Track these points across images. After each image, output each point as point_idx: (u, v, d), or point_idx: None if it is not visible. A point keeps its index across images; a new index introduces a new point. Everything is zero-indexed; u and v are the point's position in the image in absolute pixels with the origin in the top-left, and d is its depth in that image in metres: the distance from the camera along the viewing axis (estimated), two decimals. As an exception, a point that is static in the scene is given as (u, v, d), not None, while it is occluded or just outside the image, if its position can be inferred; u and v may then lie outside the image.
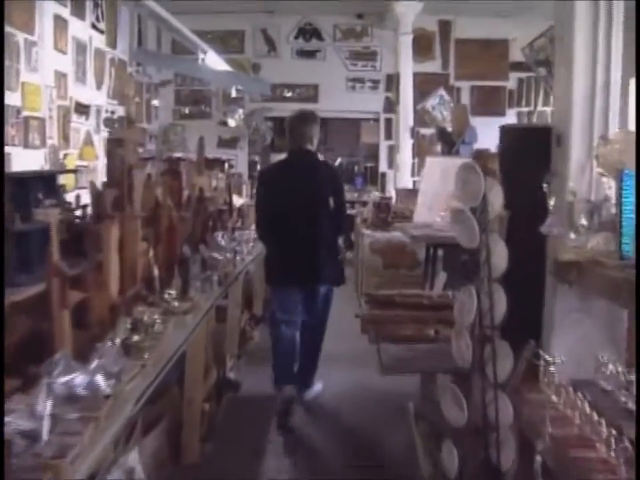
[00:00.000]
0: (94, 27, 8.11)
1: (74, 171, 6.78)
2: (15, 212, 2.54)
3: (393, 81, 11.22)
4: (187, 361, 3.57)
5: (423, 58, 11.20)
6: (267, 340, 5.06)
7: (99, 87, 8.32)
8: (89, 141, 7.92)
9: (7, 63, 5.83)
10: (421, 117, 10.08)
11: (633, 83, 2.88)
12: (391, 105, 11.45)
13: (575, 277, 2.62)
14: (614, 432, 2.15)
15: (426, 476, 3.53)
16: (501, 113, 11.31)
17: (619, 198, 2.50)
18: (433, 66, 11.47)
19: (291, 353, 4.80)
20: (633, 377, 2.47)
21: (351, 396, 4.92)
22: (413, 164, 10.46)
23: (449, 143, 7.74)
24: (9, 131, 5.97)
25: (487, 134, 8.34)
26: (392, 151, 11.48)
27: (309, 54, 11.61)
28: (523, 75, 11.14)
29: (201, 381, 3.78)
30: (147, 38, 10.00)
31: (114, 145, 3.02)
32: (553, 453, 2.22)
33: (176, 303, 3.23)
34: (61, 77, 7.13)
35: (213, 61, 9.56)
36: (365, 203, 9.66)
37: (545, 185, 2.72)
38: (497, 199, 2.43)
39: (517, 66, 10.93)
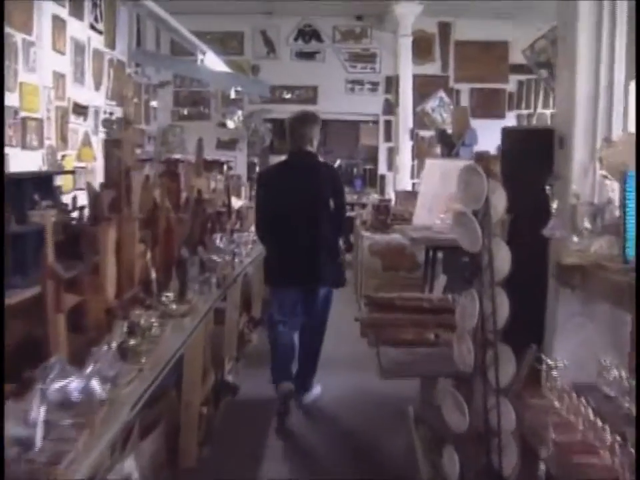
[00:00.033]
0: (92, 27, 8.08)
1: (71, 172, 6.74)
2: (11, 213, 2.51)
3: (392, 83, 11.20)
4: (184, 364, 3.53)
5: (422, 60, 11.18)
6: (266, 343, 5.03)
7: (97, 87, 8.29)
8: (87, 142, 7.89)
9: (5, 63, 5.80)
10: (421, 119, 10.07)
11: (632, 85, 2.85)
12: (390, 107, 11.43)
13: (578, 280, 2.58)
14: (618, 438, 2.11)
15: (426, 481, 3.50)
16: (501, 116, 11.31)
17: (623, 201, 2.47)
18: (432, 68, 11.45)
19: (289, 353, 4.79)
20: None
21: (350, 399, 4.89)
22: (413, 166, 10.44)
23: (449, 145, 7.71)
24: (7, 132, 5.93)
25: (487, 136, 8.32)
26: (391, 153, 11.46)
27: (308, 55, 11.58)
28: (523, 77, 11.14)
29: (198, 384, 3.74)
30: (145, 39, 9.99)
31: (111, 146, 2.99)
32: (556, 459, 2.19)
33: (174, 306, 3.20)
34: (59, 77, 7.10)
35: (212, 62, 9.54)
36: (364, 205, 9.62)
37: (547, 188, 2.68)
38: (500, 201, 2.39)
39: (517, 68, 10.91)
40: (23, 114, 6.26)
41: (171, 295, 3.23)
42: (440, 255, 5.91)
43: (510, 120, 11.26)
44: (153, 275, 3.11)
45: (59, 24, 7.04)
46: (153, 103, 10.81)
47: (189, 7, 9.77)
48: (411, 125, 10.22)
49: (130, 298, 2.82)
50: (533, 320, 2.85)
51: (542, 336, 2.86)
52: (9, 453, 1.59)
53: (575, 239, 2.58)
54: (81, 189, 6.10)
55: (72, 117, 7.49)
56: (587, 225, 2.59)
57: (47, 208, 2.56)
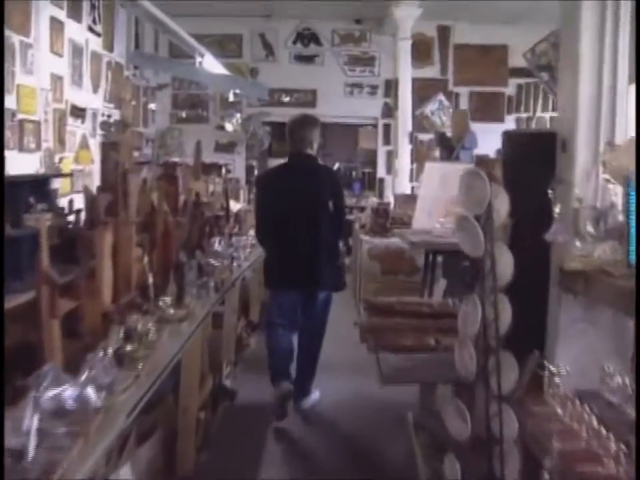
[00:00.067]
0: (90, 29, 8.04)
1: (67, 175, 6.69)
2: (6, 217, 2.47)
3: (391, 86, 11.16)
4: (182, 370, 3.49)
5: (421, 63, 11.16)
6: (264, 347, 4.99)
7: (95, 90, 8.25)
8: (84, 145, 7.85)
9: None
10: (420, 123, 10.03)
11: (632, 88, 2.82)
12: (389, 111, 11.40)
13: (580, 286, 2.55)
14: (623, 447, 2.08)
15: (426, 488, 3.46)
16: (500, 119, 11.29)
17: (626, 205, 2.44)
18: (431, 71, 11.43)
19: (287, 356, 4.78)
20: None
21: (348, 405, 4.85)
22: (412, 169, 10.41)
23: (449, 148, 7.69)
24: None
25: (486, 140, 8.32)
26: (390, 156, 11.42)
27: (307, 59, 11.56)
28: (522, 80, 11.11)
29: (196, 389, 3.71)
30: (144, 41, 9.96)
31: (108, 149, 2.95)
32: (559, 468, 2.15)
33: (171, 311, 3.16)
34: (56, 79, 7.05)
35: (211, 64, 9.50)
36: (362, 209, 9.59)
37: (549, 192, 2.65)
38: (502, 206, 2.36)
39: (516, 72, 10.90)
40: (20, 116, 6.21)
41: (168, 299, 3.20)
42: (440, 258, 5.89)
43: (509, 123, 11.24)
44: (150, 279, 3.08)
45: (56, 26, 7.00)
46: (151, 106, 10.77)
47: (188, 10, 9.75)
48: (410, 128, 10.18)
49: (127, 303, 2.78)
50: (534, 326, 2.81)
51: (544, 342, 2.83)
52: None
53: (578, 243, 2.54)
54: (78, 192, 6.06)
55: (70, 120, 7.44)
56: (590, 229, 2.56)
57: (43, 212, 2.52)
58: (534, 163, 2.88)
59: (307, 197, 4.59)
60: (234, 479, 3.76)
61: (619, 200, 2.56)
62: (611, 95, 2.68)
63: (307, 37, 11.49)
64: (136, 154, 8.18)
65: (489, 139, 8.98)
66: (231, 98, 10.78)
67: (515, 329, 2.51)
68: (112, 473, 2.20)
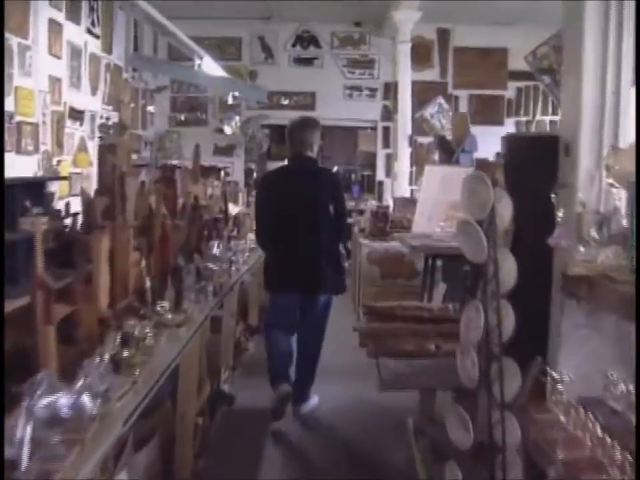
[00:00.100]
0: (89, 31, 8.01)
1: (63, 178, 6.65)
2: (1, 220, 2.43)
3: (390, 89, 11.15)
4: (180, 375, 3.45)
5: (421, 66, 11.14)
6: (263, 351, 4.97)
7: (93, 92, 8.22)
8: (83, 147, 7.82)
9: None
10: (420, 126, 9.99)
11: (632, 91, 2.79)
12: (389, 113, 11.38)
13: (584, 291, 2.51)
14: (628, 456, 2.04)
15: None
16: (500, 122, 11.27)
17: (630, 209, 2.41)
18: (431, 74, 11.41)
19: (287, 359, 4.76)
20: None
21: (348, 410, 4.81)
22: (411, 172, 10.38)
23: (449, 151, 7.65)
24: (2, 136, 5.87)
25: (485, 143, 8.30)
26: (389, 159, 11.40)
27: (307, 61, 11.53)
28: (522, 84, 11.10)
29: (194, 394, 3.67)
30: (143, 43, 9.93)
31: (105, 152, 2.92)
32: (563, 477, 2.11)
33: (169, 316, 3.12)
34: (55, 81, 7.02)
35: (210, 67, 9.48)
36: (361, 212, 9.55)
37: (552, 196, 2.62)
38: (505, 210, 2.33)
39: (516, 75, 10.87)
40: (18, 118, 6.18)
41: (166, 304, 3.16)
42: (439, 262, 5.85)
43: (508, 127, 11.21)
44: (148, 283, 3.04)
45: (55, 28, 6.97)
46: (150, 108, 10.74)
47: (187, 12, 9.72)
48: (409, 131, 10.16)
49: (124, 308, 2.74)
50: (536, 332, 2.78)
51: (546, 348, 2.79)
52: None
53: (581, 248, 2.51)
54: (76, 195, 6.04)
55: (68, 122, 7.41)
56: (594, 234, 2.53)
57: (38, 215, 2.49)
58: (536, 166, 2.85)
59: (307, 199, 4.57)
60: (232, 485, 3.73)
61: (622, 204, 2.53)
62: (614, 97, 2.65)
63: (306, 39, 11.46)
64: (134, 156, 8.15)
65: (487, 142, 8.98)
66: (230, 101, 10.76)
67: (516, 335, 2.48)
68: (108, 481, 2.16)
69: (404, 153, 10.28)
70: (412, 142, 10.30)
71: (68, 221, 3.05)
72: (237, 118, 11.26)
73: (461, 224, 2.42)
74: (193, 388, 3.63)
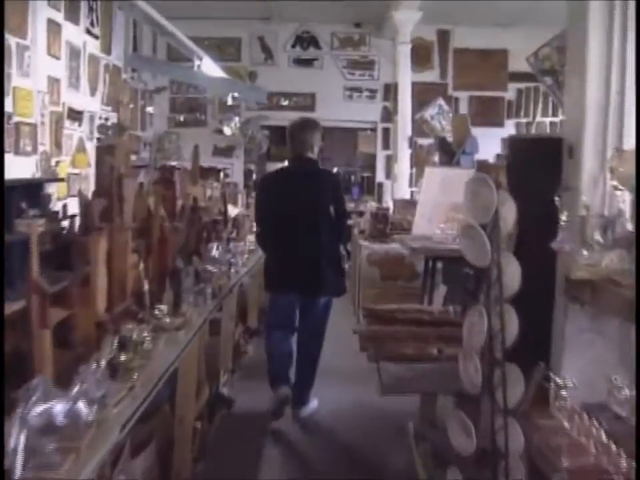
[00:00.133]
0: (88, 32, 7.98)
1: (60, 180, 6.61)
2: (-3, 222, 2.39)
3: (390, 91, 11.12)
4: (178, 378, 3.41)
5: (421, 67, 11.11)
6: (262, 354, 4.94)
7: (92, 93, 8.17)
8: (81, 148, 7.77)
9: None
10: (420, 127, 9.97)
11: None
12: (389, 115, 11.35)
13: (587, 296, 2.48)
14: (634, 464, 2.01)
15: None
16: (500, 124, 11.26)
17: (634, 212, 2.38)
18: (431, 75, 11.39)
19: (287, 360, 4.74)
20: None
21: (348, 413, 4.77)
22: (411, 174, 10.35)
23: (449, 153, 7.62)
24: (0, 137, 5.83)
25: (485, 144, 8.29)
26: (389, 160, 11.37)
27: (306, 62, 11.50)
28: (522, 85, 11.08)
29: (193, 398, 3.63)
30: (142, 44, 9.88)
31: (103, 153, 2.88)
32: (567, 485, 2.08)
33: (167, 319, 3.09)
34: (53, 82, 6.99)
35: (209, 67, 9.45)
36: (361, 213, 9.52)
37: (556, 199, 2.59)
38: (509, 214, 2.29)
39: (516, 76, 10.86)
40: (16, 119, 6.15)
41: (164, 307, 3.12)
42: (439, 265, 5.82)
43: (509, 128, 11.19)
44: (146, 286, 3.00)
45: (54, 28, 6.94)
46: (149, 109, 10.70)
47: (187, 13, 9.69)
48: (409, 132, 10.13)
49: (121, 311, 2.71)
50: (539, 336, 2.74)
51: (549, 353, 2.76)
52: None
53: (585, 252, 2.48)
54: (75, 196, 6.00)
55: (67, 123, 7.37)
56: (598, 237, 2.49)
57: (35, 217, 2.45)
58: (539, 169, 2.81)
59: (307, 200, 4.56)
60: (231, 490, 3.69)
61: (627, 207, 2.50)
62: (619, 98, 2.61)
63: (306, 40, 11.44)
64: (133, 157, 8.11)
65: (487, 144, 8.97)
66: (230, 101, 10.73)
67: (519, 339, 2.44)
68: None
69: (404, 154, 10.24)
70: (412, 143, 10.27)
71: (66, 223, 3.03)
72: (237, 119, 11.22)
73: (464, 227, 2.38)
74: (192, 391, 3.59)
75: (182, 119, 11.42)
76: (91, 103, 8.12)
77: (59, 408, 1.70)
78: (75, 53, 7.56)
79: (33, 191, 2.85)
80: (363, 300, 6.81)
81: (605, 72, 2.62)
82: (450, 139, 8.03)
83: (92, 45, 8.09)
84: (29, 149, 6.39)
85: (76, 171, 7.54)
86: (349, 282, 8.09)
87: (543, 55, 4.17)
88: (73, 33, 7.49)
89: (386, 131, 11.53)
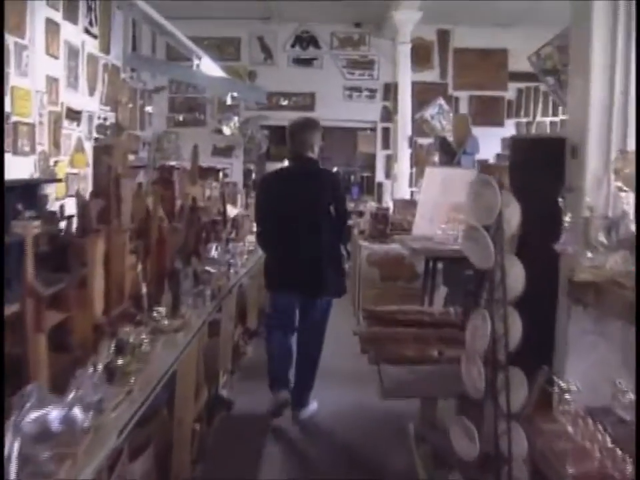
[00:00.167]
0: (87, 31, 7.94)
1: (57, 180, 6.57)
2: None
3: (390, 90, 11.10)
4: (177, 381, 3.38)
5: (421, 67, 11.08)
6: (261, 355, 4.91)
7: (91, 92, 8.14)
8: (80, 148, 7.74)
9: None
10: (420, 127, 9.93)
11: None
12: (388, 114, 11.33)
13: (591, 298, 2.45)
14: (634, 464, 1.98)
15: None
16: (500, 124, 11.24)
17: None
18: (431, 75, 11.36)
19: (287, 359, 4.72)
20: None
21: (347, 415, 4.74)
22: (411, 174, 10.32)
23: (450, 153, 7.58)
24: (-1, 137, 5.79)
25: (485, 144, 8.27)
26: (389, 160, 11.34)
27: (306, 62, 11.47)
28: (522, 85, 11.06)
29: (191, 400, 3.59)
30: (141, 43, 9.84)
31: (100, 153, 2.84)
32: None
33: (166, 321, 3.05)
34: (52, 82, 6.96)
35: (208, 67, 9.41)
36: (361, 213, 9.49)
37: (559, 200, 2.55)
38: (513, 215, 2.26)
39: (516, 76, 10.84)
40: (14, 119, 6.12)
41: (162, 309, 3.09)
42: (440, 265, 5.79)
43: (509, 128, 11.18)
44: (144, 288, 2.97)
45: (52, 27, 6.90)
46: (148, 109, 10.67)
47: (186, 12, 9.66)
48: (409, 132, 10.10)
49: (119, 314, 2.67)
50: (542, 339, 2.71)
51: (551, 356, 2.72)
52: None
53: (589, 254, 2.45)
54: (73, 196, 5.95)
55: (65, 122, 7.34)
56: (602, 239, 2.46)
57: (31, 219, 2.42)
58: (542, 169, 2.78)
59: (307, 200, 4.54)
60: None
61: (631, 209, 2.46)
62: (623, 98, 2.58)
63: (305, 40, 11.41)
64: (132, 157, 8.08)
65: (487, 144, 8.95)
66: (229, 101, 10.70)
67: (522, 342, 2.41)
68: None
69: (404, 154, 10.21)
70: (412, 143, 10.24)
71: (63, 224, 2.99)
72: (236, 118, 11.19)
73: (467, 229, 2.35)
74: (191, 394, 3.56)
75: (181, 118, 11.39)
76: (90, 103, 8.09)
77: (54, 414, 1.67)
78: (73, 53, 7.52)
79: (29, 191, 2.82)
80: (363, 301, 6.78)
81: (609, 72, 2.59)
82: (450, 138, 7.99)
83: (91, 44, 8.06)
84: (27, 148, 6.36)
85: (74, 170, 7.51)
86: (349, 282, 8.07)
87: (544, 54, 4.13)
88: (72, 33, 7.46)
89: (385, 131, 11.51)
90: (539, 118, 11.27)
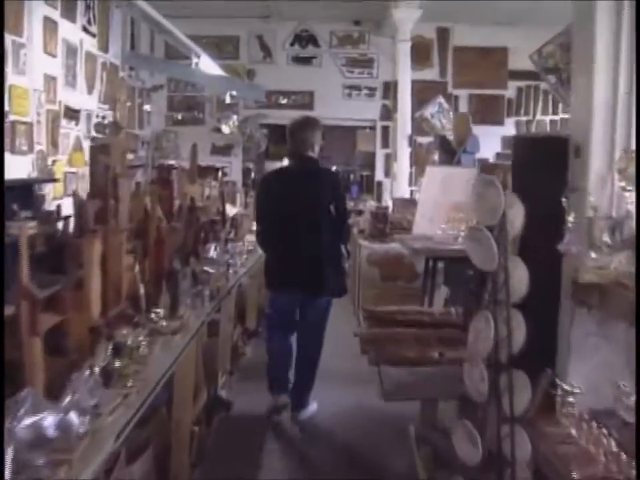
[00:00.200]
0: (85, 29, 7.90)
1: (53, 180, 6.53)
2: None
3: (389, 89, 11.06)
4: (175, 383, 3.34)
5: (420, 65, 11.04)
6: (260, 355, 4.88)
7: (89, 91, 8.10)
8: (78, 147, 7.70)
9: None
10: (419, 125, 9.89)
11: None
12: (388, 113, 11.29)
13: (595, 299, 2.42)
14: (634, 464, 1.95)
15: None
16: (500, 122, 11.20)
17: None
18: (430, 74, 11.32)
19: (287, 359, 4.71)
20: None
21: (347, 416, 4.71)
22: (411, 173, 10.28)
23: (450, 152, 7.54)
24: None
25: (485, 143, 8.23)
26: (388, 159, 11.31)
27: (305, 60, 11.43)
28: (522, 83, 11.03)
29: (190, 402, 3.56)
30: (139, 42, 9.82)
31: (98, 152, 2.81)
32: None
33: (164, 323, 3.02)
34: (50, 80, 6.91)
35: (207, 65, 9.38)
36: (360, 212, 9.45)
37: (563, 200, 2.52)
38: (517, 216, 2.22)
39: (516, 74, 10.81)
40: (12, 117, 6.07)
41: (160, 310, 3.06)
42: (440, 265, 5.76)
43: (509, 126, 11.14)
44: (142, 289, 2.93)
45: (50, 26, 6.86)
46: (147, 107, 10.62)
47: (185, 11, 9.63)
48: (409, 131, 10.05)
49: (116, 315, 2.63)
50: (545, 341, 2.68)
51: (554, 358, 2.69)
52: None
53: (593, 255, 2.41)
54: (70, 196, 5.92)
55: (63, 121, 7.30)
56: (606, 239, 2.43)
57: (27, 219, 2.38)
58: (545, 169, 2.74)
59: (307, 199, 4.52)
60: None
61: (635, 208, 2.43)
62: (627, 97, 2.54)
63: (304, 38, 11.37)
64: (131, 156, 8.04)
65: (488, 142, 8.91)
66: (228, 100, 10.64)
67: (524, 345, 2.38)
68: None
69: (403, 152, 10.17)
70: (411, 142, 10.20)
71: (60, 224, 2.95)
72: (235, 117, 11.15)
73: (470, 230, 2.32)
74: (189, 395, 3.52)
75: (180, 117, 11.35)
76: (88, 102, 8.05)
77: (49, 420, 1.63)
78: (71, 51, 7.48)
79: (25, 191, 2.78)
80: (362, 300, 6.75)
81: (612, 73, 2.55)
82: (450, 137, 7.95)
83: (89, 42, 8.02)
84: (25, 148, 6.32)
85: (73, 170, 7.47)
86: (349, 282, 8.05)
87: (546, 52, 4.08)
88: (70, 31, 7.42)
89: (385, 129, 11.47)
90: (538, 116, 11.25)
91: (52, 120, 6.96)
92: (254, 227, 5.29)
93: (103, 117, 8.22)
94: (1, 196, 2.31)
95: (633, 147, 2.54)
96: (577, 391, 2.39)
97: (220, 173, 7.05)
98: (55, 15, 7.01)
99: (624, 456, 2.08)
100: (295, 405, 4.63)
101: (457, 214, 5.16)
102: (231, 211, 6.22)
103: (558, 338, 2.71)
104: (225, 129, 11.11)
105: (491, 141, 9.89)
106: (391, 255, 6.82)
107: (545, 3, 8.29)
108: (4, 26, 5.44)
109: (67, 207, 3.41)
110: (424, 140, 10.42)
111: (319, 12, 10.57)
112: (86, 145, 7.85)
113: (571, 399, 2.42)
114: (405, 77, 10.08)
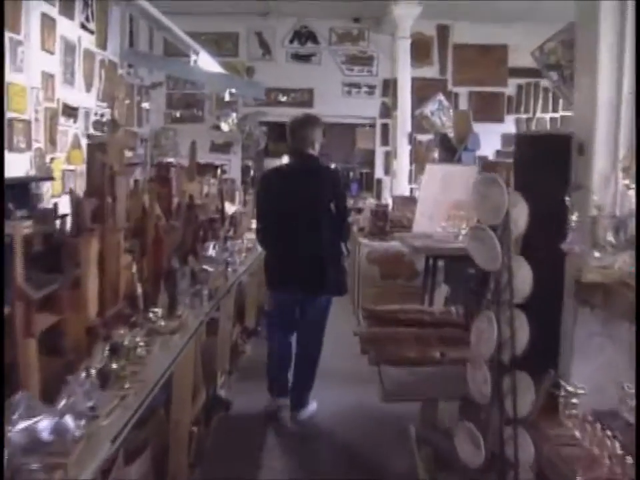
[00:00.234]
0: (83, 27, 7.84)
1: (49, 179, 6.48)
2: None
3: (389, 86, 11.02)
4: (173, 383, 3.31)
5: (420, 63, 10.98)
6: (260, 354, 4.85)
7: (88, 88, 8.05)
8: (76, 145, 7.65)
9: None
10: (419, 123, 9.85)
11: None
12: (388, 111, 11.25)
13: (599, 299, 2.39)
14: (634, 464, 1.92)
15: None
16: (500, 120, 11.15)
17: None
18: (430, 71, 11.26)
19: (287, 358, 4.69)
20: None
21: (348, 416, 4.68)
22: (410, 171, 10.24)
23: (450, 149, 7.50)
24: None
25: (485, 140, 8.18)
26: (388, 157, 11.27)
27: (304, 58, 11.38)
28: (522, 81, 10.99)
29: (188, 402, 3.53)
30: (138, 39, 9.78)
31: (95, 150, 2.77)
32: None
33: (162, 322, 2.98)
34: (48, 78, 6.86)
35: (206, 63, 9.34)
36: (360, 210, 9.42)
37: (566, 198, 2.49)
38: (521, 215, 2.19)
39: (516, 72, 10.77)
40: (9, 115, 6.03)
41: (159, 310, 3.02)
42: (440, 263, 5.72)
43: (509, 124, 11.11)
44: (140, 289, 2.90)
45: (48, 23, 6.81)
46: (145, 105, 10.57)
47: (183, 7, 9.57)
48: (409, 128, 10.01)
49: (113, 315, 2.60)
50: (548, 341, 2.65)
51: (557, 359, 2.66)
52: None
53: (596, 254, 2.38)
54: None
55: (61, 119, 7.25)
56: (610, 238, 2.40)
57: (22, 218, 2.35)
58: (548, 167, 2.71)
59: (307, 197, 4.49)
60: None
61: (637, 207, 2.40)
62: (631, 97, 2.51)
63: (304, 35, 11.31)
64: (130, 154, 8.01)
65: (488, 140, 8.87)
66: (227, 97, 10.61)
67: (527, 345, 2.35)
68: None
69: (403, 150, 10.13)
70: (411, 139, 10.16)
71: (57, 223, 2.92)
72: (234, 115, 11.12)
73: (473, 229, 2.28)
74: (188, 396, 3.49)
75: (179, 114, 11.30)
76: (86, 99, 8.00)
77: (44, 423, 1.60)
78: (69, 48, 7.43)
79: (21, 190, 2.75)
80: (362, 299, 6.72)
81: (616, 73, 2.52)
82: (450, 134, 7.91)
83: (87, 40, 7.96)
84: (22, 145, 6.28)
85: (71, 167, 7.43)
86: (348, 280, 8.01)
87: (548, 49, 4.05)
88: (68, 28, 7.36)
89: (385, 127, 11.43)
90: (539, 114, 11.22)
91: (50, 117, 6.91)
92: (253, 225, 5.26)
93: (102, 115, 8.18)
94: (1, 196, 2.28)
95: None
96: (580, 391, 2.37)
97: (219, 171, 7.01)
98: (53, 12, 6.96)
99: (629, 458, 2.04)
100: (294, 404, 4.60)
101: (457, 212, 5.13)
102: (230, 208, 6.18)
103: (561, 338, 2.68)
104: (224, 127, 11.08)
105: (490, 139, 9.84)
106: (391, 253, 6.79)
107: (544, 2, 8.26)
108: (4, 26, 5.41)
109: (65, 205, 3.38)
110: (424, 137, 10.36)
111: (319, 9, 10.53)
112: (84, 142, 7.79)
113: (574, 400, 2.40)
114: (405, 75, 10.03)
